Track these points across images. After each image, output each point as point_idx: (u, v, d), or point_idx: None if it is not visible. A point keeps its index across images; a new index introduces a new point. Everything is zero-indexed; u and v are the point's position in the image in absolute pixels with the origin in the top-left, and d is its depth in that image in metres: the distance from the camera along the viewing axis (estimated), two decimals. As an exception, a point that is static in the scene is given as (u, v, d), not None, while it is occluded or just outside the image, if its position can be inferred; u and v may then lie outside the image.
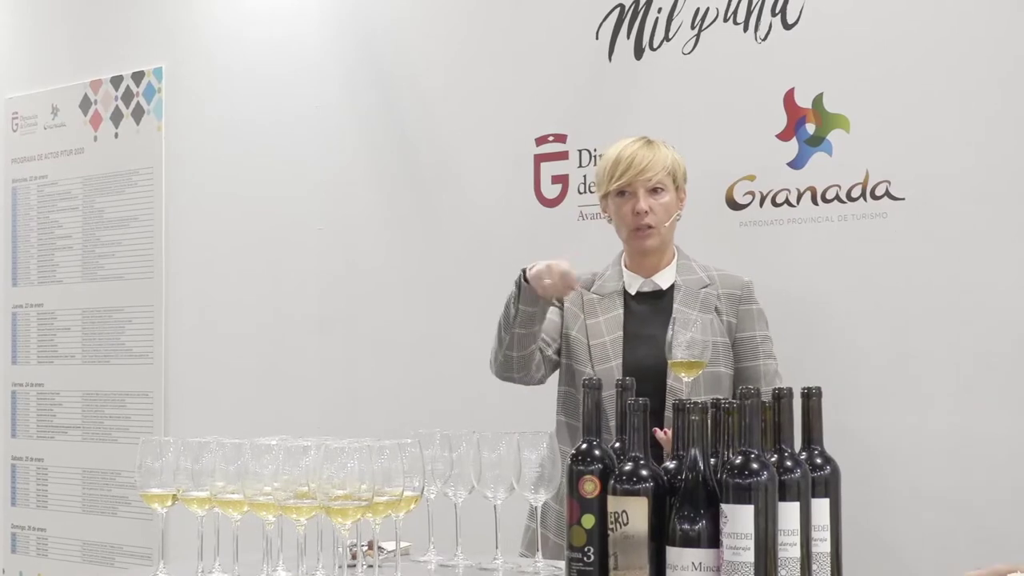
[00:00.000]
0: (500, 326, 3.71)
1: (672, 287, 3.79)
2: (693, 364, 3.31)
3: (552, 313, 3.79)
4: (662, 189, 3.75)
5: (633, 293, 3.82)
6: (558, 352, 3.82)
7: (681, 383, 3.41)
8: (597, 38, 4.94)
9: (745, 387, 2.26)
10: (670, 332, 3.33)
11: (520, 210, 5.11)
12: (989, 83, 4.13)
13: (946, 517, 3.96)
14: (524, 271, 3.61)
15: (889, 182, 4.25)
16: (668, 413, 3.41)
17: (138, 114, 6.29)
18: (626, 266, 3.86)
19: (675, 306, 3.71)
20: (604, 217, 3.92)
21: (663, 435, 3.28)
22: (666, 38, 4.79)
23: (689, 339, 3.29)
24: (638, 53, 4.86)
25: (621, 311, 3.78)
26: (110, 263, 6.39)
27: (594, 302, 3.83)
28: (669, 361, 3.34)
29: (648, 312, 3.78)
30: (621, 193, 3.76)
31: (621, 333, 3.74)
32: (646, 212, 3.72)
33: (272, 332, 5.82)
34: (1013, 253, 4.06)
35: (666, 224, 3.76)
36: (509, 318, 3.65)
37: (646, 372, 3.50)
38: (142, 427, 6.16)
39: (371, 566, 2.84)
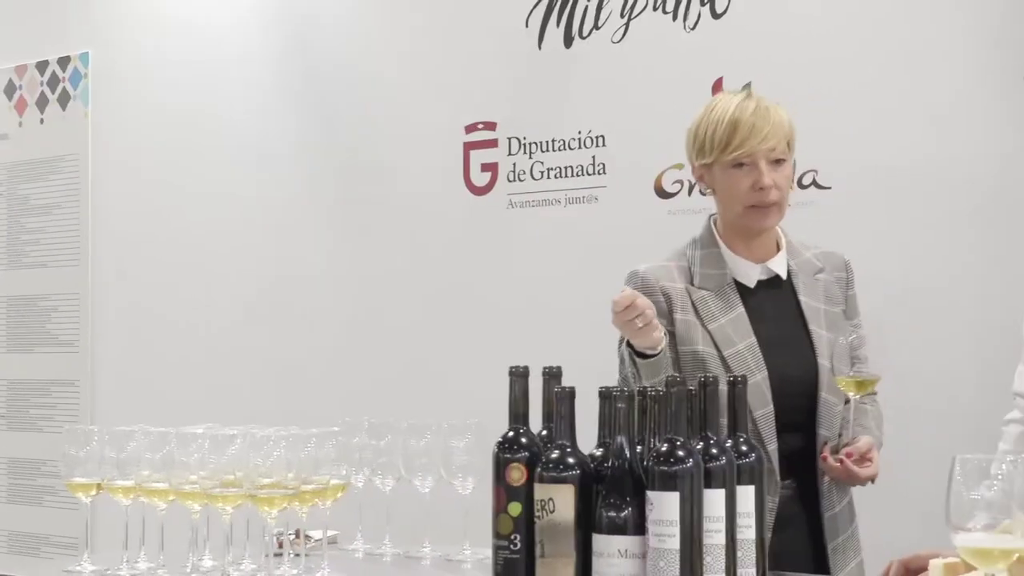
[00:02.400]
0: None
1: (789, 274, 3.22)
2: (866, 382, 3.01)
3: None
4: (784, 159, 3.15)
5: (752, 285, 3.19)
6: None
7: (838, 396, 3.10)
8: (527, 26, 4.94)
9: (671, 375, 2.27)
10: (841, 342, 3.04)
11: (449, 198, 5.10)
12: (916, 75, 4.17)
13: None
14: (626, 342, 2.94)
15: (816, 171, 4.28)
16: (821, 430, 3.10)
17: (64, 100, 6.22)
18: (730, 249, 3.22)
19: (801, 298, 3.20)
20: (701, 187, 3.31)
21: (836, 462, 3.01)
22: (595, 27, 4.79)
23: (835, 361, 3.03)
24: (567, 42, 4.86)
25: (743, 308, 3.15)
26: (35, 250, 6.32)
27: (707, 300, 3.17)
28: (837, 378, 3.03)
29: (772, 308, 3.19)
30: (738, 164, 3.12)
31: (754, 338, 3.13)
32: (771, 187, 3.11)
33: (201, 320, 5.78)
34: (938, 242, 4.10)
35: (785, 201, 3.18)
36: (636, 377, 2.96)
37: (794, 384, 3.11)
38: (68, 416, 6.10)
39: (298, 555, 2.83)
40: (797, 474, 3.09)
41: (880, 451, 3.13)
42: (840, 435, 3.07)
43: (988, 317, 3.93)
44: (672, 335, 3.09)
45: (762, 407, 3.04)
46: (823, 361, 3.11)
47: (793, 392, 3.07)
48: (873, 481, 3.08)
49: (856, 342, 3.04)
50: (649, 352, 2.88)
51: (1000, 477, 1.85)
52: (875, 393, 3.23)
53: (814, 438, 3.10)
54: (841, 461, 3.00)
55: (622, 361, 2.97)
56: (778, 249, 3.22)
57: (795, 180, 4.29)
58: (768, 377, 3.07)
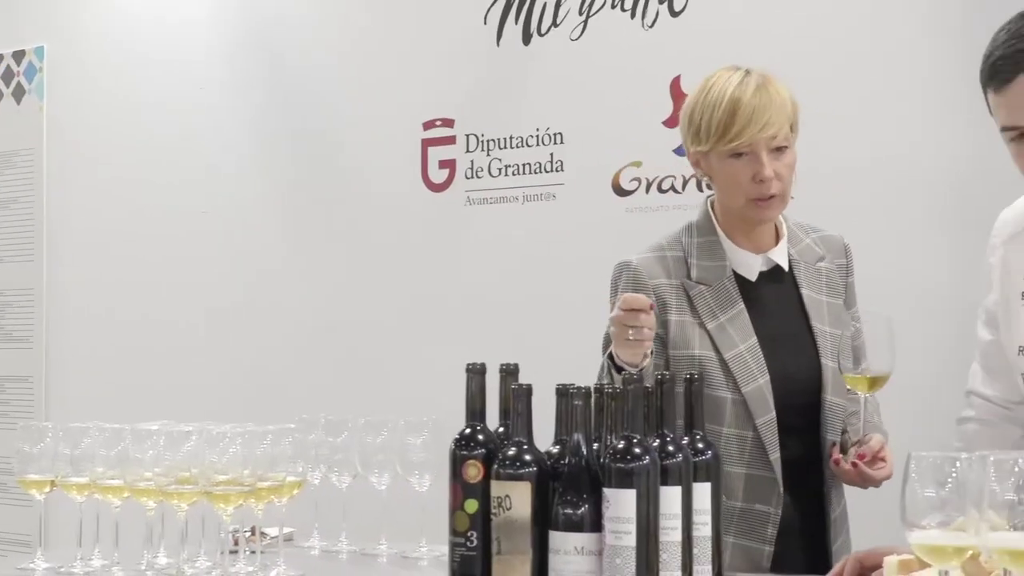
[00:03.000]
0: None
1: (790, 264, 3.01)
2: (877, 379, 2.78)
3: None
4: (787, 146, 2.90)
5: (754, 278, 2.98)
6: None
7: (843, 398, 2.92)
8: (485, 23, 4.93)
9: (627, 373, 2.27)
10: (845, 339, 2.82)
11: (407, 195, 5.10)
12: (873, 75, 4.19)
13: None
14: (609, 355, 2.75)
15: (773, 171, 4.29)
16: (829, 435, 2.92)
17: (19, 93, 6.17)
18: (729, 238, 3.00)
19: (803, 291, 2.98)
20: (698, 173, 3.07)
21: (847, 465, 2.83)
22: (554, 24, 4.80)
23: (839, 359, 2.83)
24: (526, 39, 4.86)
25: (743, 305, 2.93)
26: (-11, 245, 6.28)
27: (704, 296, 2.94)
28: (845, 375, 2.81)
29: (773, 302, 2.98)
30: (737, 154, 2.88)
31: (755, 339, 2.92)
32: (772, 179, 2.87)
33: (156, 316, 5.75)
34: (903, 241, 4.12)
35: (789, 190, 2.93)
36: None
37: (797, 385, 2.92)
38: (22, 413, 6.05)
39: (254, 552, 2.81)
40: (798, 481, 2.92)
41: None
42: (844, 432, 2.92)
43: (947, 317, 3.94)
44: (663, 339, 2.92)
45: (764, 414, 2.87)
46: (827, 361, 2.92)
47: (796, 395, 2.91)
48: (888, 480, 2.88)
49: (856, 333, 2.82)
50: (629, 368, 2.65)
51: (954, 475, 1.85)
52: None
53: (817, 443, 2.93)
54: (854, 464, 2.81)
55: (602, 368, 2.78)
56: (779, 237, 3.01)
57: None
58: (771, 381, 2.89)
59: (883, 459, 2.85)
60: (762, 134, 2.84)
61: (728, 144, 2.86)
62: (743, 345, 2.90)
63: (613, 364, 2.70)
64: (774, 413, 2.88)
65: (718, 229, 2.99)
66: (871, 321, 2.79)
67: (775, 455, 2.87)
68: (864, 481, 2.86)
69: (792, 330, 2.95)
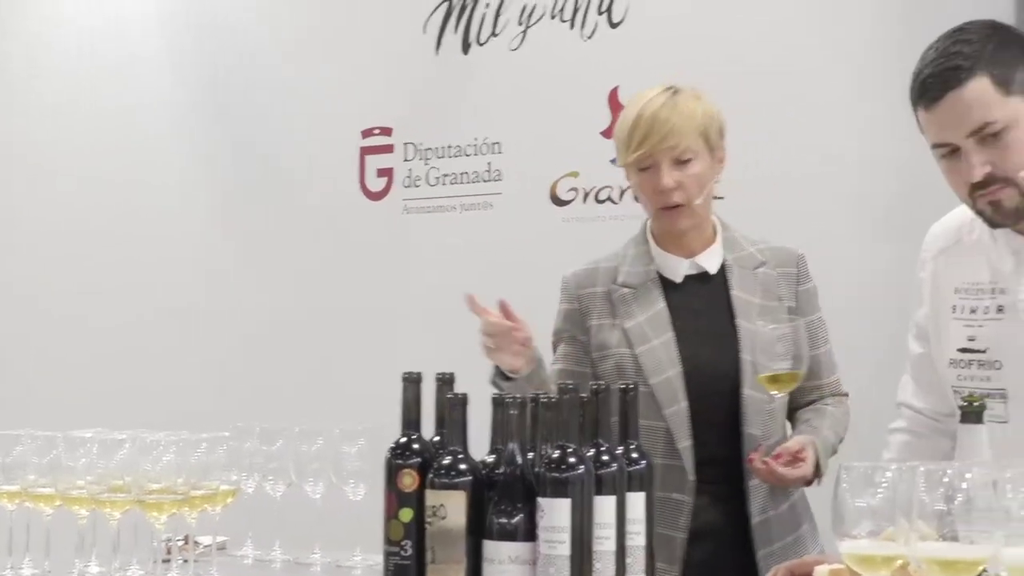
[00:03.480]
0: None
1: (723, 268, 3.10)
2: (790, 377, 2.88)
3: (563, 360, 3.16)
4: (692, 158, 3.00)
5: (679, 280, 3.11)
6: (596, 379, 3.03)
7: (764, 392, 2.94)
8: (424, 32, 4.95)
9: (562, 383, 2.27)
10: (760, 335, 2.91)
11: (345, 203, 5.10)
12: (810, 85, 4.23)
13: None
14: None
15: (710, 182, 4.31)
16: (748, 429, 2.98)
17: (-41, 97, 6.12)
18: (659, 245, 3.13)
19: (733, 292, 3.07)
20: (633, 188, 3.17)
21: (761, 463, 2.87)
22: (493, 33, 4.81)
23: (760, 356, 2.88)
24: (465, 48, 4.87)
25: (664, 304, 3.07)
26: (-78, 249, 6.20)
27: (627, 298, 3.09)
28: (758, 376, 2.90)
29: (699, 302, 3.09)
30: (643, 167, 3.02)
31: (672, 333, 3.04)
32: (672, 189, 2.99)
33: (89, 323, 5.71)
34: (832, 248, 4.14)
35: (698, 200, 3.03)
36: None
37: (714, 379, 3.01)
38: (-47, 419, 5.98)
39: (186, 561, 2.80)
40: (721, 476, 2.99)
41: (830, 455, 3.00)
42: (780, 437, 2.98)
43: (880, 326, 3.98)
44: (585, 345, 3.11)
45: (672, 404, 2.96)
46: (746, 356, 2.99)
47: (714, 388, 2.99)
48: (809, 483, 2.95)
49: (810, 339, 2.95)
50: (511, 374, 2.95)
51: (884, 485, 1.87)
52: (844, 394, 3.17)
53: (739, 437, 2.98)
54: (766, 463, 2.86)
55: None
56: (712, 243, 3.11)
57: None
58: (683, 373, 2.99)
59: (802, 459, 2.90)
60: (661, 145, 2.97)
61: (632, 155, 3.01)
62: (657, 340, 3.03)
63: (499, 371, 2.97)
64: (684, 404, 2.97)
65: (650, 239, 3.13)
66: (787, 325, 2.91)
67: (684, 443, 2.95)
68: (776, 479, 2.91)
69: (716, 327, 3.04)
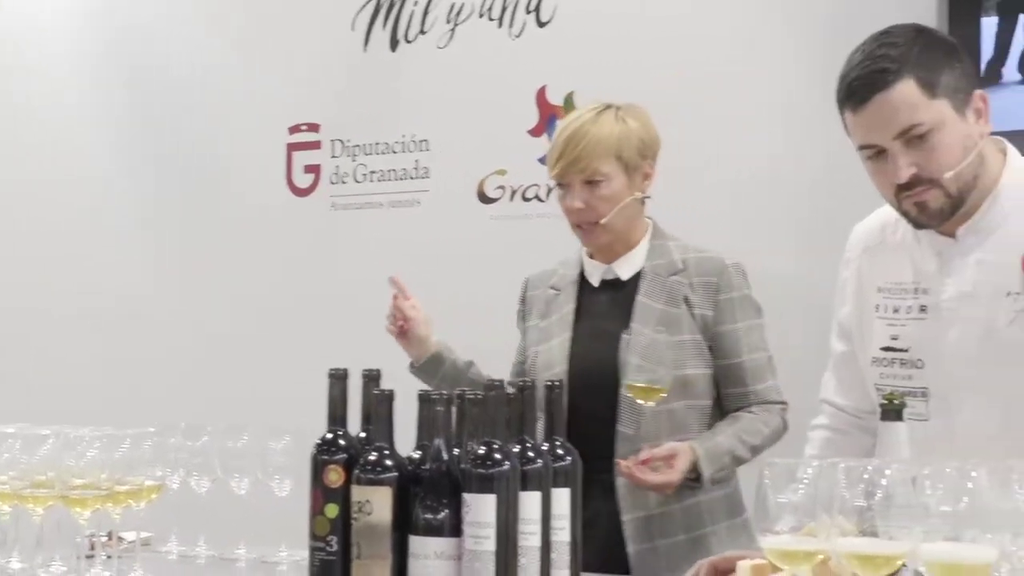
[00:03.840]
0: None
1: (637, 275, 3.21)
2: (651, 391, 3.03)
3: (520, 349, 3.39)
4: (601, 180, 3.12)
5: (596, 284, 3.26)
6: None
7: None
8: (353, 28, 4.94)
9: (490, 380, 2.28)
10: (662, 339, 3.06)
11: (272, 199, 5.08)
12: (734, 85, 4.26)
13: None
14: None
15: (638, 178, 4.34)
16: (621, 427, 3.11)
17: None
18: (586, 251, 3.30)
19: (638, 298, 3.18)
20: None
21: (625, 467, 2.98)
22: (421, 31, 4.81)
23: (643, 360, 3.03)
24: (393, 45, 4.87)
25: (573, 306, 3.25)
26: None
27: (551, 299, 3.30)
28: (625, 382, 3.07)
29: (605, 306, 3.24)
30: (560, 185, 3.20)
31: (570, 334, 3.22)
32: (580, 210, 3.15)
33: (13, 317, 5.65)
34: (765, 242, 4.18)
35: (605, 219, 3.15)
36: None
37: (596, 378, 3.14)
38: None
39: (110, 557, 2.78)
40: (598, 470, 3.01)
41: (730, 458, 3.07)
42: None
43: (804, 324, 4.01)
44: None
45: None
46: (628, 357, 3.10)
47: (597, 385, 3.09)
48: (668, 489, 3.01)
49: (730, 348, 3.11)
50: (414, 361, 3.28)
51: (806, 481, 1.90)
52: (776, 403, 3.21)
53: (614, 435, 3.10)
54: (628, 466, 2.96)
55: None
56: (634, 250, 3.23)
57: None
58: (567, 371, 3.14)
59: (672, 465, 2.99)
60: (572, 168, 3.13)
61: (550, 173, 3.21)
62: (556, 340, 3.22)
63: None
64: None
65: (583, 246, 3.29)
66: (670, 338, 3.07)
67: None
68: (637, 483, 3.00)
69: (611, 329, 3.16)
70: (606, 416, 3.12)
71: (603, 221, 3.14)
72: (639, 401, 3.03)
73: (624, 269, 3.23)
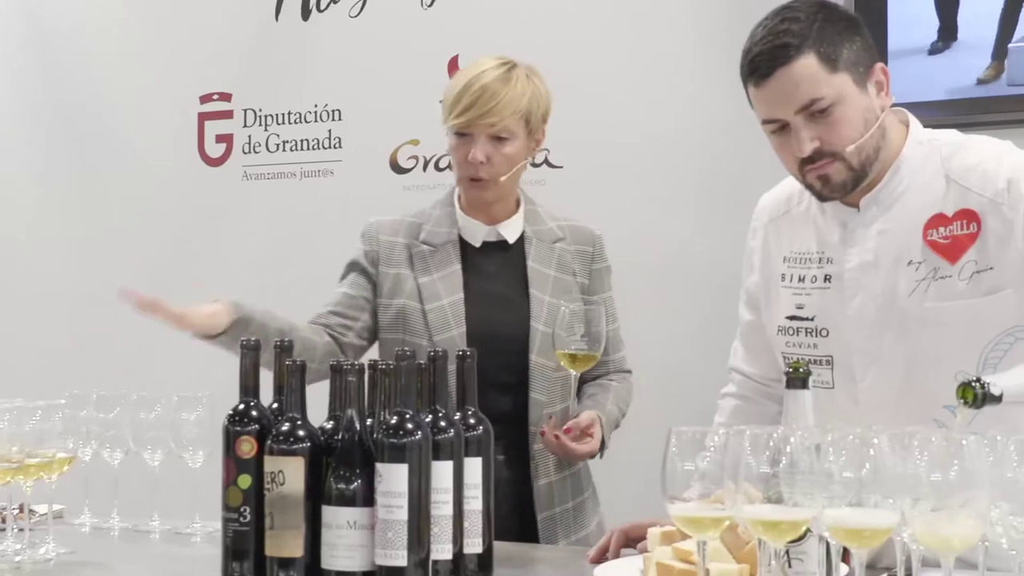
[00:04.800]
0: None
1: (521, 239, 3.21)
2: (589, 358, 2.96)
3: (349, 286, 3.23)
4: (508, 137, 3.10)
5: (478, 244, 3.21)
6: (370, 331, 3.22)
7: (555, 362, 3.02)
8: (264, -3, 4.91)
9: (400, 349, 2.29)
10: (563, 311, 2.95)
11: (183, 169, 5.05)
12: (644, 54, 4.30)
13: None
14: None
15: (548, 150, 4.37)
16: (534, 394, 3.10)
17: None
18: (463, 209, 3.23)
19: (529, 263, 3.18)
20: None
21: (552, 436, 2.95)
22: (333, 0, 4.79)
23: (587, 329, 2.93)
24: (305, 14, 4.85)
25: (459, 266, 3.17)
26: None
27: (425, 255, 3.18)
28: (556, 351, 2.96)
29: (496, 268, 3.20)
30: (460, 134, 3.12)
31: (462, 294, 3.15)
32: (481, 163, 3.09)
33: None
34: (667, 219, 4.22)
35: (504, 177, 3.13)
36: None
37: (501, 343, 3.07)
38: None
39: (22, 530, 2.78)
40: (507, 437, 3.04)
41: (613, 429, 3.13)
42: (569, 409, 3.03)
43: (712, 293, 4.06)
44: (370, 282, 3.20)
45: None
46: (536, 324, 3.10)
47: (502, 351, 3.05)
48: (593, 456, 3.07)
49: (592, 314, 2.97)
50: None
51: (713, 448, 1.93)
52: (627, 371, 3.29)
53: (525, 401, 3.10)
54: (557, 436, 2.95)
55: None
56: (514, 214, 3.22)
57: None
58: (466, 334, 3.09)
59: (590, 435, 3.01)
60: (482, 120, 3.06)
61: (452, 121, 3.10)
62: (447, 299, 3.13)
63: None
64: None
65: (456, 203, 3.23)
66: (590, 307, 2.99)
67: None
68: (565, 453, 3.01)
69: (508, 293, 3.14)
70: (513, 382, 3.10)
71: (502, 179, 3.12)
72: (570, 370, 2.96)
73: (509, 231, 3.20)
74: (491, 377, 2.89)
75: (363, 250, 3.25)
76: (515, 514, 3.08)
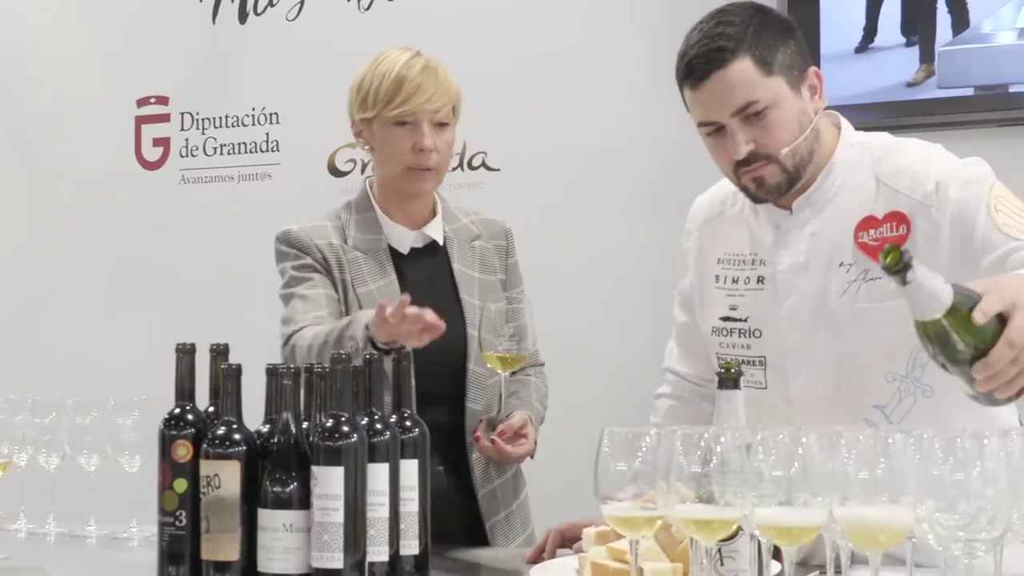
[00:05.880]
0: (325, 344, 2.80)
1: (444, 241, 3.13)
2: (517, 359, 2.89)
3: (323, 286, 3.04)
4: (448, 123, 3.04)
5: (406, 252, 3.10)
6: None
7: (486, 368, 2.97)
8: (201, 1, 4.90)
9: (336, 352, 2.30)
10: (489, 311, 2.90)
11: (120, 172, 5.04)
12: (586, 59, 4.32)
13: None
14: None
15: (486, 153, 4.38)
16: (471, 404, 3.05)
17: None
18: (385, 213, 3.12)
19: (454, 266, 3.11)
20: (359, 143, 3.17)
21: (486, 441, 2.91)
22: (270, 3, 4.80)
23: (486, 333, 2.88)
24: (242, 17, 4.85)
25: (394, 276, 3.06)
26: None
27: (359, 261, 3.06)
28: (484, 353, 2.89)
29: (424, 275, 3.09)
30: (401, 123, 3.00)
31: None
32: (431, 151, 3.00)
33: None
34: (605, 223, 4.25)
35: (445, 166, 3.08)
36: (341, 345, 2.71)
37: (441, 354, 2.87)
38: None
39: (-44, 536, 2.77)
40: (447, 449, 3.01)
41: (540, 425, 3.12)
42: (499, 411, 2.97)
43: (649, 296, 4.08)
44: (334, 284, 3.05)
45: None
46: (472, 331, 3.03)
47: (440, 363, 2.94)
48: (532, 457, 3.04)
49: (513, 314, 2.90)
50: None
51: (644, 449, 1.95)
52: (542, 364, 3.26)
53: (463, 411, 3.04)
54: (493, 441, 2.90)
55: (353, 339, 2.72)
56: (434, 215, 3.14)
57: (466, 161, 4.40)
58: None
59: (524, 436, 2.97)
60: (427, 106, 2.98)
61: (394, 110, 2.99)
62: None
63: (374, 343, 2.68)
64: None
65: (375, 205, 3.11)
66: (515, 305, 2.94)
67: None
68: (501, 457, 2.97)
69: (441, 302, 2.87)
70: (452, 392, 3.04)
71: (443, 170, 3.07)
72: (499, 371, 2.88)
73: (437, 233, 3.12)
74: (428, 388, 2.85)
75: (306, 262, 3.07)
76: (463, 524, 3.05)
